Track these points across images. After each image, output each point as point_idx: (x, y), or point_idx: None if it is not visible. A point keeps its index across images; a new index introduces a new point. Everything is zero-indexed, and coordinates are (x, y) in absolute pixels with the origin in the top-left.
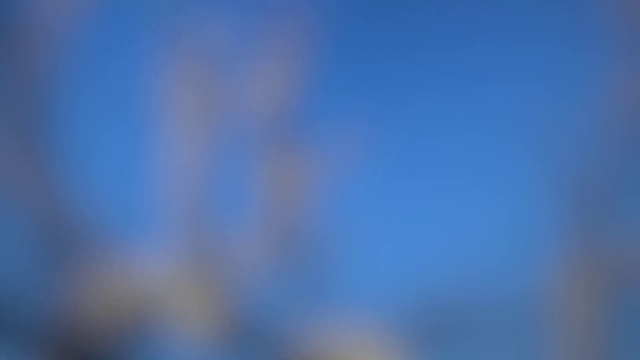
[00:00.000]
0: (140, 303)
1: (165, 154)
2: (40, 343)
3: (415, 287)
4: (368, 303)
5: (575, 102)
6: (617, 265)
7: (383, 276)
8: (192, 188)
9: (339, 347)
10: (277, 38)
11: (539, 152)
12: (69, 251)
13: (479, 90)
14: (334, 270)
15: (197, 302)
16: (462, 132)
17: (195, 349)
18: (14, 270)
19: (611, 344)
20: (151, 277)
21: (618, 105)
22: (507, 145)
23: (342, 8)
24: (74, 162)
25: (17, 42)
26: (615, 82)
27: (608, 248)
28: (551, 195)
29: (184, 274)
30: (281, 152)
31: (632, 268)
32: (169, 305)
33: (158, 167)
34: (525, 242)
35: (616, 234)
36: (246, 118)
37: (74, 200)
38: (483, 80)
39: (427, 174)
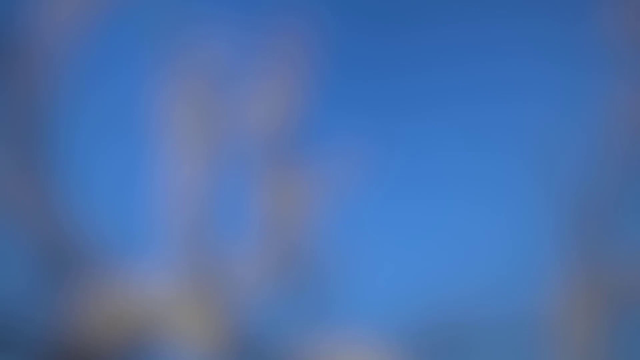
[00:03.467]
0: (141, 321)
1: (165, 173)
2: None
3: (416, 305)
4: (368, 321)
5: (575, 121)
6: (617, 283)
7: (383, 294)
8: (192, 206)
9: None
10: (277, 57)
11: (539, 170)
12: (70, 269)
13: (479, 109)
14: (334, 288)
15: (197, 319)
16: (462, 150)
17: None
18: (15, 288)
19: None
20: (151, 295)
21: (618, 124)
22: (508, 163)
23: (341, 27)
24: (74, 181)
25: (17, 61)
26: (615, 101)
27: (608, 267)
28: (551, 214)
29: (184, 292)
30: (281, 171)
31: (632, 287)
32: (169, 323)
33: (158, 186)
34: (525, 260)
35: (616, 252)
36: (246, 137)
37: (74, 219)
38: (483, 98)
39: (427, 192)
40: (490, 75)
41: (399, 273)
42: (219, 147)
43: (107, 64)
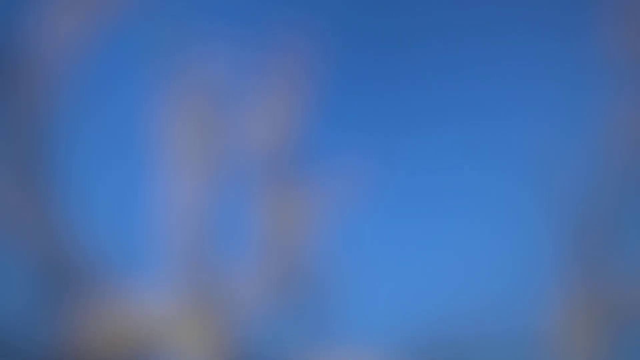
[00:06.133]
0: (141, 338)
1: (165, 189)
2: None
3: (416, 322)
4: (369, 338)
5: (575, 138)
6: (616, 300)
7: (383, 311)
8: (193, 223)
9: None
10: (277, 75)
11: (540, 188)
12: (70, 287)
13: (479, 126)
14: (334, 306)
15: (197, 336)
16: (462, 167)
17: None
18: (15, 305)
19: None
20: (151, 313)
21: (618, 141)
22: (508, 180)
23: (342, 44)
24: (75, 198)
25: (17, 79)
26: (615, 118)
27: (608, 283)
28: (551, 231)
29: (184, 309)
30: (281, 189)
31: (632, 303)
32: (169, 341)
33: (158, 202)
34: (525, 277)
35: (616, 269)
36: (246, 154)
37: (75, 235)
38: (483, 115)
39: (427, 209)
40: (490, 93)
41: (399, 290)
42: (219, 164)
43: (108, 81)
